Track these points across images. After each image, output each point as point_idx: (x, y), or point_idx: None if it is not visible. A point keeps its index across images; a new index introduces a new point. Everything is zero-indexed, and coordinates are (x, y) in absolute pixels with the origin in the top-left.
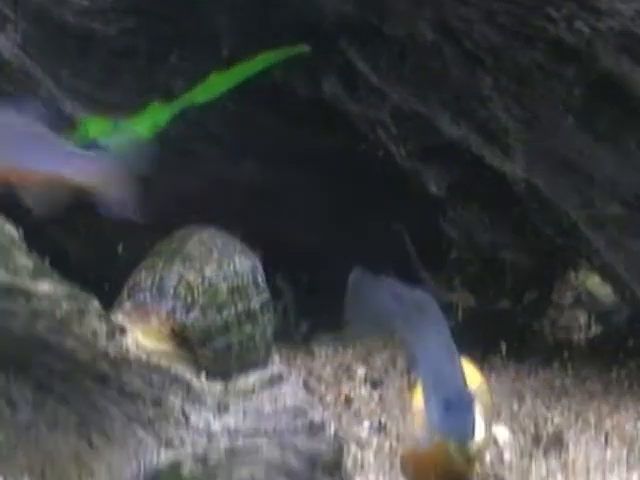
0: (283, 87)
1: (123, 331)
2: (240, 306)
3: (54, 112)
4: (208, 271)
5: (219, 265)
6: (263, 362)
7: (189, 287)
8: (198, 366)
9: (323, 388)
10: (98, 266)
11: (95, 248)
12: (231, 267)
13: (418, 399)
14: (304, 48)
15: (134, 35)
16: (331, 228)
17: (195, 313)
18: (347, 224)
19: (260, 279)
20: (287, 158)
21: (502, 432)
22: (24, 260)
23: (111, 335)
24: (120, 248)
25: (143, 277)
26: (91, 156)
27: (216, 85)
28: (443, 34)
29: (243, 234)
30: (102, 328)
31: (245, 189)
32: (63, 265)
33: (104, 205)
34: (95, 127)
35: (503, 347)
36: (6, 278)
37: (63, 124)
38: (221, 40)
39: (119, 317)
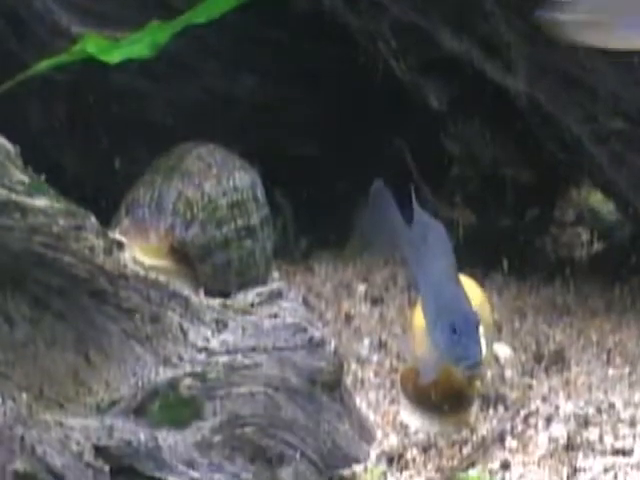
0: (283, 1)
1: (121, 247)
2: (240, 221)
3: None
4: (207, 187)
5: (218, 181)
6: (263, 278)
7: (188, 203)
8: (197, 283)
9: (323, 305)
10: (95, 182)
11: (92, 164)
12: (230, 182)
13: (419, 317)
14: None
15: None
16: (331, 143)
17: (194, 229)
18: (347, 139)
19: (260, 194)
20: (287, 72)
21: (503, 350)
22: (20, 176)
23: (108, 251)
24: (117, 163)
25: (141, 193)
26: None
27: (217, 4)
28: None
29: (242, 150)
30: (99, 244)
31: (245, 104)
32: (59, 181)
33: None
34: (94, 44)
35: (504, 264)
36: (2, 193)
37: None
38: None
39: (117, 234)
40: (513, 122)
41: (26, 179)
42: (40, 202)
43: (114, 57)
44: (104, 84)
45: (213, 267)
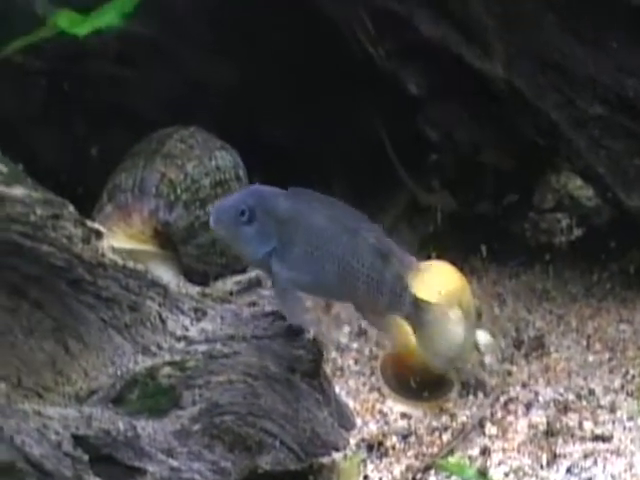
0: None
1: (99, 235)
2: None
3: None
4: (190, 167)
5: (200, 161)
6: None
7: (171, 184)
8: (180, 267)
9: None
10: (73, 170)
11: (69, 152)
12: (213, 162)
13: None
14: None
15: None
16: (309, 130)
17: (178, 210)
18: (326, 125)
19: (242, 174)
20: (264, 58)
21: (483, 336)
22: None
23: (87, 239)
24: (95, 151)
25: (123, 178)
26: None
27: None
28: None
29: (219, 136)
30: (77, 232)
31: (223, 88)
32: (37, 170)
33: None
34: (65, 19)
35: (484, 249)
36: None
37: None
38: None
39: (100, 220)
40: (492, 108)
41: (3, 168)
42: (18, 191)
43: (84, 29)
44: (81, 71)
45: (197, 247)
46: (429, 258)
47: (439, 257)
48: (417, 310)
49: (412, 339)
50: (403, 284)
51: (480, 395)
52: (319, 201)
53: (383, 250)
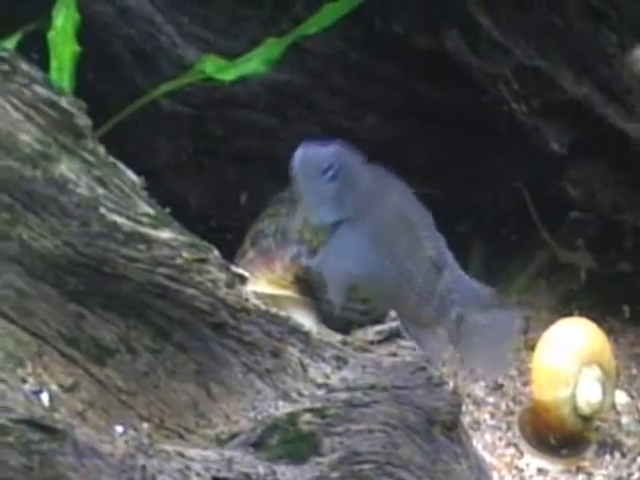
0: (404, 39)
1: (243, 280)
2: None
3: None
4: None
5: None
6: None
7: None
8: (320, 314)
9: None
10: (220, 216)
11: (217, 198)
12: None
13: (536, 360)
14: None
15: None
16: (449, 184)
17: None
18: (466, 180)
19: None
20: (407, 112)
21: (620, 396)
22: (145, 207)
23: (231, 284)
24: (242, 198)
25: (266, 224)
26: None
27: (328, 15)
28: None
29: None
30: (222, 277)
31: (367, 140)
32: (184, 215)
33: None
34: (212, 64)
35: (622, 309)
36: (127, 225)
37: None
38: None
39: (242, 265)
40: (634, 168)
41: (151, 211)
42: (165, 234)
43: (231, 75)
44: (229, 118)
45: None
46: (569, 315)
47: (580, 315)
48: (459, 326)
49: (548, 396)
50: (452, 298)
51: (617, 455)
52: (397, 188)
53: (438, 263)
